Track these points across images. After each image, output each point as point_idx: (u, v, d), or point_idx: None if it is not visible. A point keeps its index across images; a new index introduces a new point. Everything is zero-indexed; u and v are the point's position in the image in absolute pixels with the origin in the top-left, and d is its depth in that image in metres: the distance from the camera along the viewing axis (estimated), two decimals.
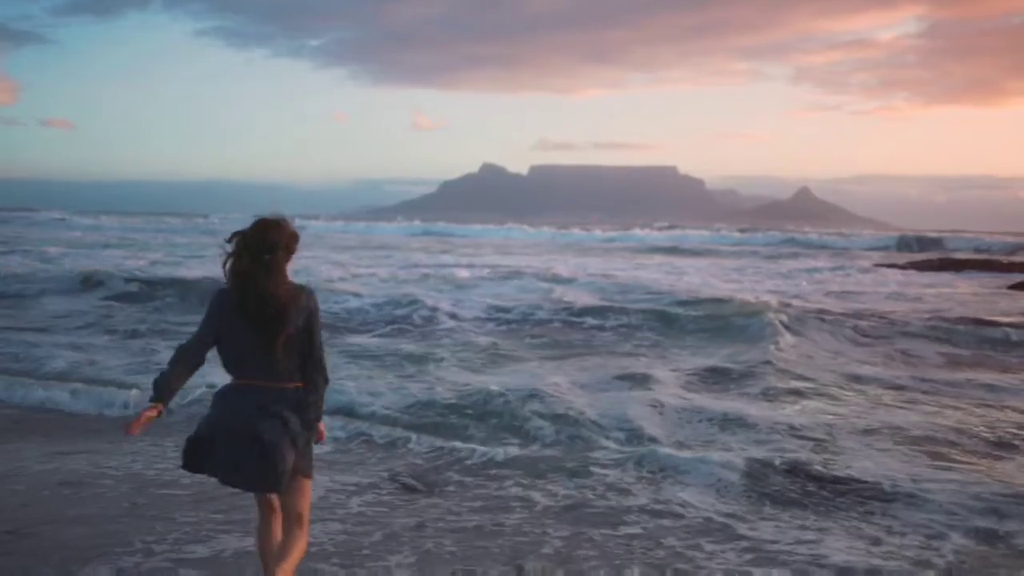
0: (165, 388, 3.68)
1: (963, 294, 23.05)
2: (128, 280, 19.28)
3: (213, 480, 3.90)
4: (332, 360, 10.38)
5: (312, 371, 3.83)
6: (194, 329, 3.83)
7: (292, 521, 3.90)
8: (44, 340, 13.03)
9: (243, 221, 3.84)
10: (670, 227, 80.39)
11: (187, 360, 3.75)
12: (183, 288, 18.60)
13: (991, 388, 10.63)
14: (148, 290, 18.59)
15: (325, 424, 4.13)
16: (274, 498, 3.95)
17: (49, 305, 17.01)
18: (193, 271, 23.11)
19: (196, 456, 3.82)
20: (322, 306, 4.00)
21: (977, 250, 48.78)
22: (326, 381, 3.89)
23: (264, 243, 3.72)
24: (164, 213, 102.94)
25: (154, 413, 3.64)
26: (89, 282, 19.16)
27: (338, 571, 4.99)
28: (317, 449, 4.23)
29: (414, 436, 7.87)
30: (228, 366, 3.85)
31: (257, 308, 3.68)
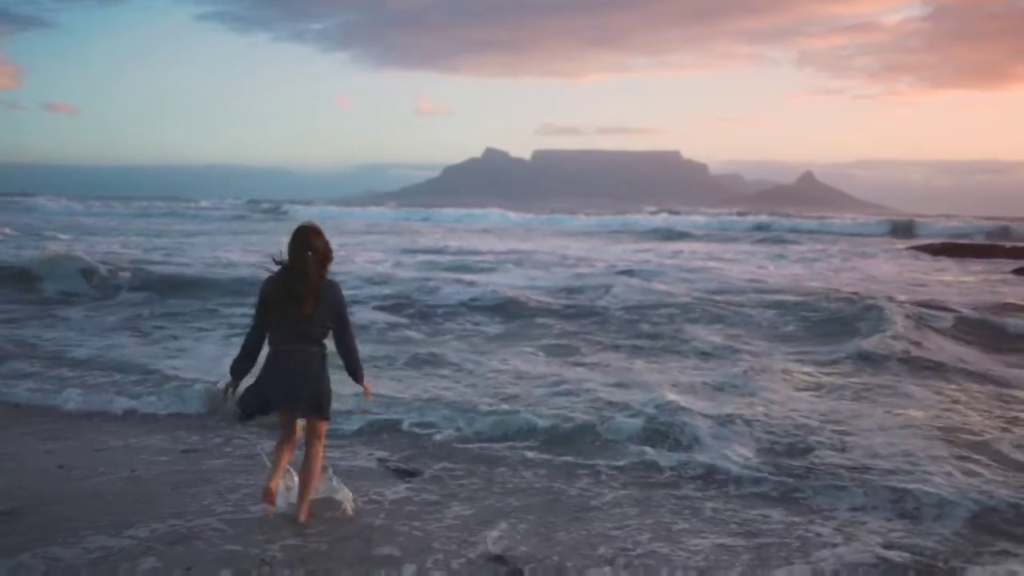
0: (235, 371, 5.37)
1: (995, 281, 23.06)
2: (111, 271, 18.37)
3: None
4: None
5: (346, 343, 5.36)
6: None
7: (315, 437, 5.44)
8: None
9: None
10: (659, 211, 79.13)
11: (246, 352, 5.34)
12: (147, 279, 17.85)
13: None
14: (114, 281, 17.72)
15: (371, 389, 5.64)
16: (296, 430, 5.40)
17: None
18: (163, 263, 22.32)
19: (254, 404, 5.27)
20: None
21: (960, 235, 48.38)
22: (355, 350, 5.43)
23: (307, 243, 5.15)
24: (167, 198, 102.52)
25: (230, 384, 5.36)
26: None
27: (395, 524, 5.23)
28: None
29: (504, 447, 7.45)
30: (272, 337, 5.27)
31: (300, 292, 5.11)
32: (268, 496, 5.28)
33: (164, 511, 5.60)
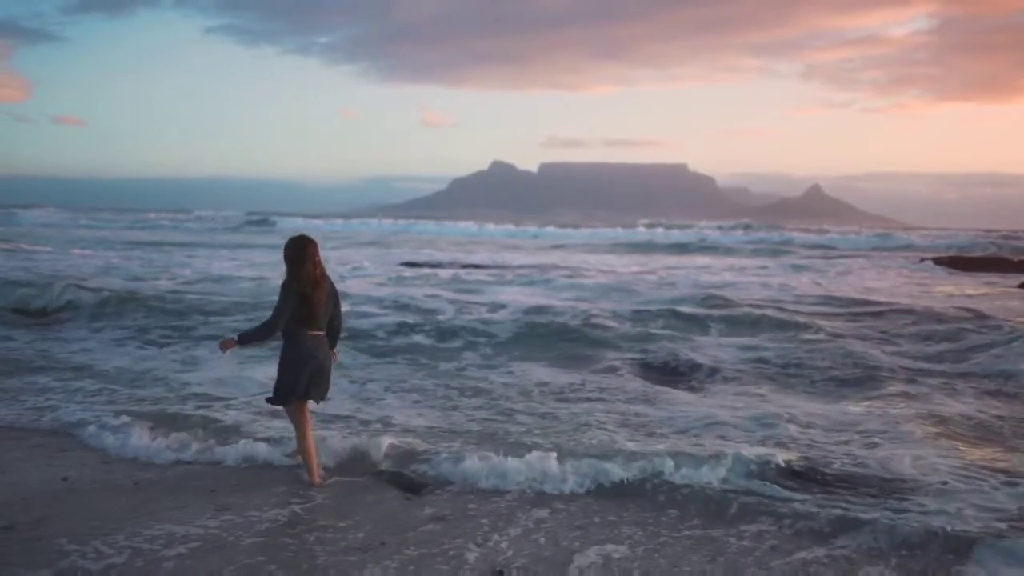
0: (246, 339, 6.28)
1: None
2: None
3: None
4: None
5: (337, 323, 6.63)
6: None
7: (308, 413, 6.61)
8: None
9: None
10: (653, 224, 78.70)
11: (268, 333, 6.26)
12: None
13: None
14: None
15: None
16: (308, 409, 6.55)
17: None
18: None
19: (291, 390, 6.34)
20: None
21: (964, 247, 48.34)
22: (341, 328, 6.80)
23: (310, 250, 6.34)
24: (173, 209, 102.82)
25: (233, 343, 6.25)
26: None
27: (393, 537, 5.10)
28: None
29: None
30: (302, 322, 6.29)
31: (314, 289, 6.29)
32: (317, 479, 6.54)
33: (168, 515, 5.65)
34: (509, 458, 6.85)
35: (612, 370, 11.35)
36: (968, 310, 16.54)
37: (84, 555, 5.08)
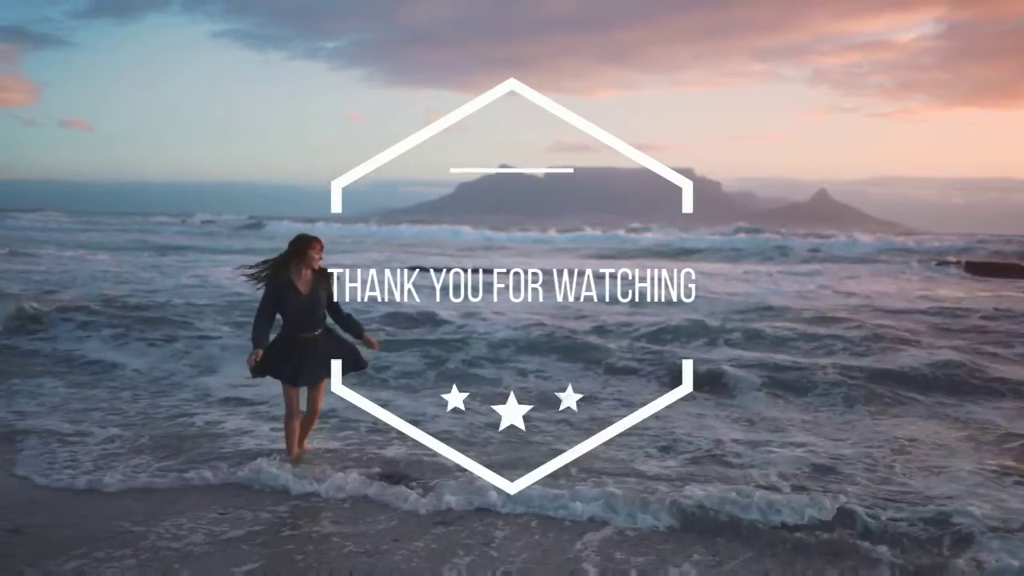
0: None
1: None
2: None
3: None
4: None
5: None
6: None
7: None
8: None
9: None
10: (644, 229, 78.01)
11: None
12: None
13: None
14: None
15: None
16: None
17: None
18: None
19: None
20: None
21: (973, 251, 48.44)
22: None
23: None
24: (178, 213, 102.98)
25: (373, 340, 7.23)
26: None
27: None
28: None
29: None
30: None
31: None
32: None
33: (177, 516, 5.75)
34: (521, 479, 6.45)
35: (629, 374, 11.18)
36: None
37: (95, 558, 5.09)
